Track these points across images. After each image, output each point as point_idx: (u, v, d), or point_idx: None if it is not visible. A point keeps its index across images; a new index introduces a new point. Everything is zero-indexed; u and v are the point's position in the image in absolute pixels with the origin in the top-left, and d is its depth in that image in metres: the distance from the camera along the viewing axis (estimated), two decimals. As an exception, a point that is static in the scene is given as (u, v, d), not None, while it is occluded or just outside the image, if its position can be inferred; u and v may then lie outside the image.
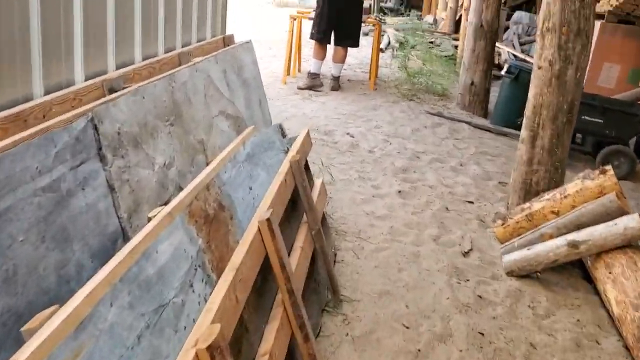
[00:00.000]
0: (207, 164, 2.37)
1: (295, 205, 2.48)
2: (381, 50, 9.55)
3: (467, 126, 5.94)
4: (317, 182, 2.89)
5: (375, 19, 6.74)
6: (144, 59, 2.36)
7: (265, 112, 3.28)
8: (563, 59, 3.38)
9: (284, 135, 2.79)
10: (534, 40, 10.61)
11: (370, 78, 6.91)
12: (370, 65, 6.91)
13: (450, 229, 3.57)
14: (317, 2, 6.50)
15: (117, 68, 2.18)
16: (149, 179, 1.78)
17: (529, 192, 3.67)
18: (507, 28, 11.22)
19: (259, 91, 3.23)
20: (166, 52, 2.60)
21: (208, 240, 1.70)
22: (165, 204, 1.89)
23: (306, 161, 2.86)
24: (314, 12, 6.66)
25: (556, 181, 3.62)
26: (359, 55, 9.00)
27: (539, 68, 3.49)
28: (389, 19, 12.55)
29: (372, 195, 3.89)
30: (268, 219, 1.80)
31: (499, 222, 3.54)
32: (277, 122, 5.20)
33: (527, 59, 9.48)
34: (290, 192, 2.38)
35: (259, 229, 1.79)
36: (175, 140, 2.05)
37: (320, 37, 6.41)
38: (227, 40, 3.15)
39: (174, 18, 2.75)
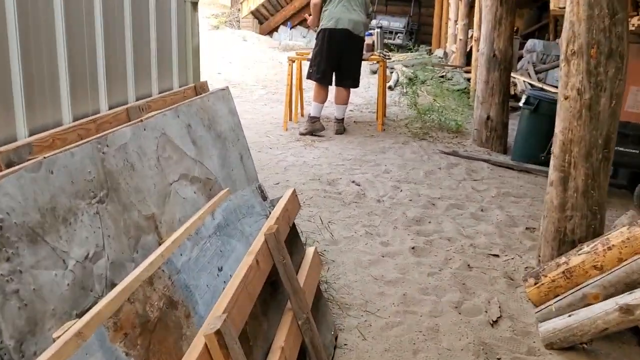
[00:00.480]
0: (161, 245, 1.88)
1: (276, 289, 1.98)
2: (390, 88, 9.14)
3: (486, 165, 5.42)
4: (309, 252, 2.39)
5: (380, 55, 6.32)
6: (75, 119, 1.91)
7: (248, 169, 2.81)
8: (594, 86, 2.88)
9: (264, 197, 2.31)
10: (550, 68, 10.15)
11: (377, 118, 6.45)
12: (377, 104, 6.47)
13: (474, 292, 3.03)
14: (316, 40, 6.11)
15: (31, 134, 1.72)
16: (56, 282, 1.32)
17: (564, 242, 3.13)
18: (520, 57, 10.77)
19: (240, 145, 2.77)
20: (113, 107, 2.15)
21: (141, 363, 1.22)
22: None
23: (294, 227, 2.37)
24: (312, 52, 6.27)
25: (595, 228, 3.08)
26: (366, 95, 8.58)
27: (566, 98, 2.99)
28: (397, 55, 12.20)
29: (381, 255, 3.37)
30: (218, 331, 1.30)
31: (531, 280, 3.00)
32: (276, 173, 4.75)
33: (545, 87, 9.00)
34: (267, 273, 1.89)
35: (206, 346, 1.29)
36: (107, 221, 1.58)
37: (320, 77, 6.00)
38: (200, 89, 2.72)
39: (123, 67, 2.32)
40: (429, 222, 3.93)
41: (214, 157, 2.39)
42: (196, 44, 2.95)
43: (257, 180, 2.92)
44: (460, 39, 10.53)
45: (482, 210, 4.27)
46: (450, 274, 3.18)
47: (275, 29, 17.29)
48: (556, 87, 9.79)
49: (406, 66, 10.40)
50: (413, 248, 3.48)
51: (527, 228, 4.00)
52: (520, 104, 5.73)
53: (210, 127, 2.43)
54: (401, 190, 4.51)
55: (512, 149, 5.86)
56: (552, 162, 3.18)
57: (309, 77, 6.23)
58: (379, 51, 6.40)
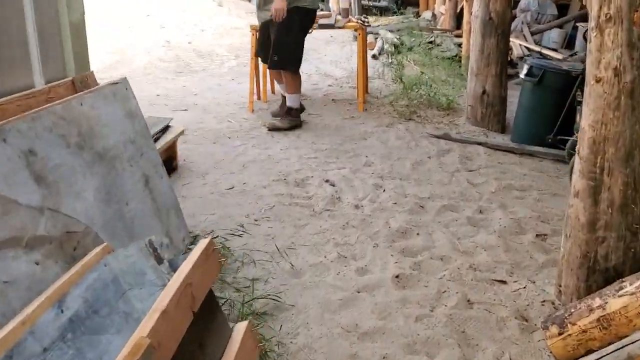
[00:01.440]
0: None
1: None
2: (374, 57, 8.28)
3: (483, 149, 4.64)
4: (237, 332, 1.62)
5: (358, 22, 5.47)
6: None
7: (160, 195, 2.03)
8: (638, 64, 2.08)
9: (159, 257, 1.52)
10: (547, 29, 9.29)
11: (358, 96, 5.63)
12: (357, 80, 5.64)
13: (477, 343, 2.29)
14: (288, 22, 4.70)
15: None
16: None
17: (593, 270, 2.38)
18: (513, 17, 9.88)
19: (145, 162, 1.98)
20: None
21: None
22: None
23: (210, 294, 1.59)
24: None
25: (636, 254, 2.32)
26: (348, 66, 7.73)
27: (598, 81, 2.20)
28: (382, 19, 11.29)
29: (356, 290, 2.61)
30: None
31: (554, 329, 2.25)
32: (231, 172, 3.95)
33: (544, 51, 8.18)
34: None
35: None
36: None
37: (299, 66, 5.05)
38: (82, 84, 1.90)
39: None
40: (417, 234, 3.16)
41: (88, 192, 1.61)
42: (78, 19, 2.13)
43: (178, 207, 2.13)
44: (449, 0, 9.63)
45: (480, 212, 3.51)
46: (445, 317, 2.43)
47: (253, -7, 16.22)
48: (553, 49, 8.99)
49: (391, 31, 9.53)
50: (397, 277, 2.72)
51: (537, 235, 3.25)
52: (521, 75, 4.92)
53: (82, 146, 1.65)
54: (384, 190, 3.73)
55: (511, 128, 5.08)
56: (577, 165, 2.40)
57: (281, 67, 4.89)
58: (356, 17, 5.55)
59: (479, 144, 4.75)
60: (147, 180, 1.97)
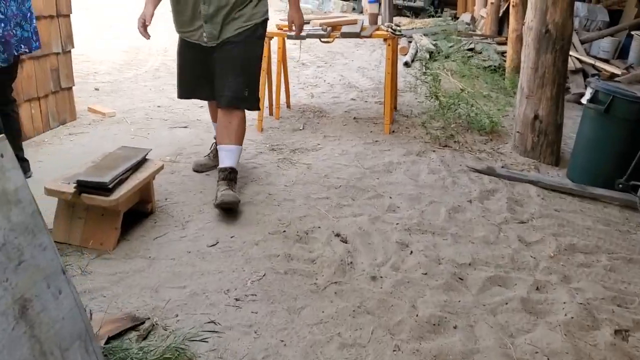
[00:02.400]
0: None
1: None
2: (406, 64, 7.44)
3: (535, 189, 3.79)
4: None
5: (388, 30, 4.63)
6: None
7: (52, 329, 1.25)
8: None
9: None
10: (598, 37, 8.29)
11: (385, 115, 4.80)
12: (385, 95, 4.81)
13: None
14: (258, 41, 3.45)
15: None
16: None
17: None
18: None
19: (27, 275, 1.21)
20: None
21: None
22: None
23: None
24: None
25: None
26: (376, 75, 6.89)
27: None
28: (417, 21, 10.40)
29: None
30: None
31: None
32: (219, 220, 3.16)
33: (598, 64, 7.23)
34: None
35: None
36: None
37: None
38: None
39: None
40: (454, 327, 2.34)
41: None
42: None
43: (90, 336, 1.35)
44: (491, 2, 8.72)
45: (537, 288, 2.67)
46: None
47: (283, -10, 15.50)
48: (604, 60, 7.99)
49: (426, 35, 8.66)
50: (425, 410, 1.90)
51: (616, 331, 2.41)
52: (584, 100, 4.05)
53: None
54: (411, 252, 2.91)
55: (568, 163, 4.21)
56: None
57: (252, 105, 3.42)
58: (386, 24, 4.72)
59: (531, 182, 3.89)
60: (23, 309, 1.22)
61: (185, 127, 4.74)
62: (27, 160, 3.59)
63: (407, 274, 2.70)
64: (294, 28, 3.69)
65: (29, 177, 3.59)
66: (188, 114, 5.11)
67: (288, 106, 5.38)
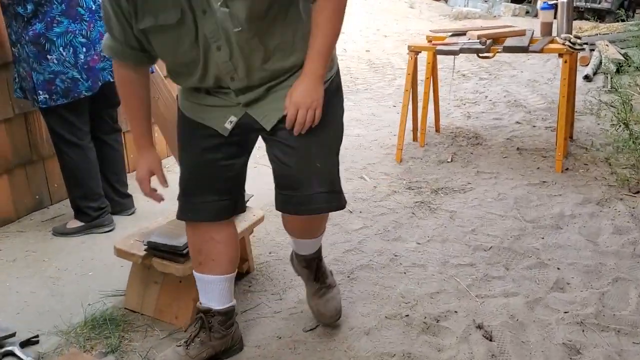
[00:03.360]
0: None
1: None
2: (587, 78, 6.28)
3: None
4: None
5: (565, 43, 3.68)
6: None
7: None
8: None
9: None
10: None
11: (557, 148, 3.85)
12: (558, 121, 3.86)
13: None
14: None
15: None
16: None
17: None
18: None
19: None
20: None
21: None
22: None
23: None
24: (453, 38, 3.83)
25: None
26: (549, 92, 5.84)
27: None
28: (601, 27, 8.99)
29: None
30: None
31: None
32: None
33: None
34: None
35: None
36: None
37: None
38: None
39: None
40: None
41: None
42: None
43: None
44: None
45: None
46: None
47: (452, -8, 14.63)
48: None
49: (612, 42, 7.36)
50: None
51: None
52: None
53: None
54: (584, 365, 2.05)
55: None
56: None
57: (341, 204, 1.93)
58: (563, 36, 3.76)
59: None
60: None
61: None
62: (130, 196, 3.22)
63: (578, 406, 1.86)
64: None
65: (132, 213, 3.22)
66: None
67: (437, 130, 4.61)
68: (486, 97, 5.79)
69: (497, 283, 2.54)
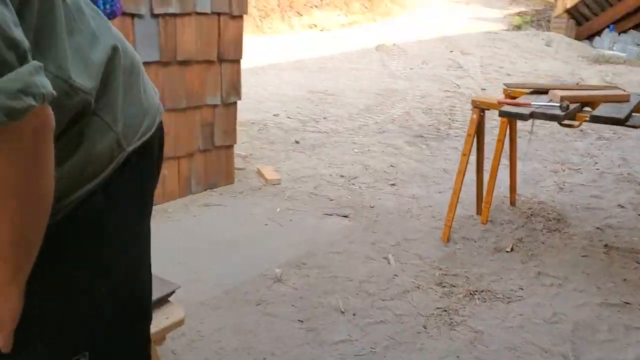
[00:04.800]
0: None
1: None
2: None
3: None
4: None
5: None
6: None
7: None
8: None
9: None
10: None
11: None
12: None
13: None
14: None
15: None
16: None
17: None
18: None
19: None
20: None
21: None
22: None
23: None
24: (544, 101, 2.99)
25: None
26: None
27: None
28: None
29: None
30: None
31: None
32: None
33: None
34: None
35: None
36: None
37: None
38: None
39: None
40: None
41: None
42: None
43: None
44: None
45: None
46: None
47: (598, 32, 13.33)
48: None
49: None
50: None
51: None
52: None
53: None
54: None
55: None
56: None
57: None
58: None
59: None
60: None
61: (346, 216, 3.48)
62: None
63: None
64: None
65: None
66: (365, 196, 3.83)
67: (511, 202, 3.73)
68: (595, 163, 4.76)
69: None
